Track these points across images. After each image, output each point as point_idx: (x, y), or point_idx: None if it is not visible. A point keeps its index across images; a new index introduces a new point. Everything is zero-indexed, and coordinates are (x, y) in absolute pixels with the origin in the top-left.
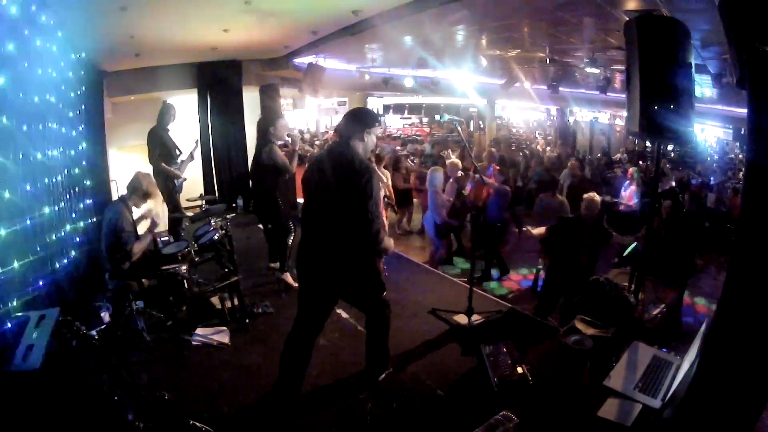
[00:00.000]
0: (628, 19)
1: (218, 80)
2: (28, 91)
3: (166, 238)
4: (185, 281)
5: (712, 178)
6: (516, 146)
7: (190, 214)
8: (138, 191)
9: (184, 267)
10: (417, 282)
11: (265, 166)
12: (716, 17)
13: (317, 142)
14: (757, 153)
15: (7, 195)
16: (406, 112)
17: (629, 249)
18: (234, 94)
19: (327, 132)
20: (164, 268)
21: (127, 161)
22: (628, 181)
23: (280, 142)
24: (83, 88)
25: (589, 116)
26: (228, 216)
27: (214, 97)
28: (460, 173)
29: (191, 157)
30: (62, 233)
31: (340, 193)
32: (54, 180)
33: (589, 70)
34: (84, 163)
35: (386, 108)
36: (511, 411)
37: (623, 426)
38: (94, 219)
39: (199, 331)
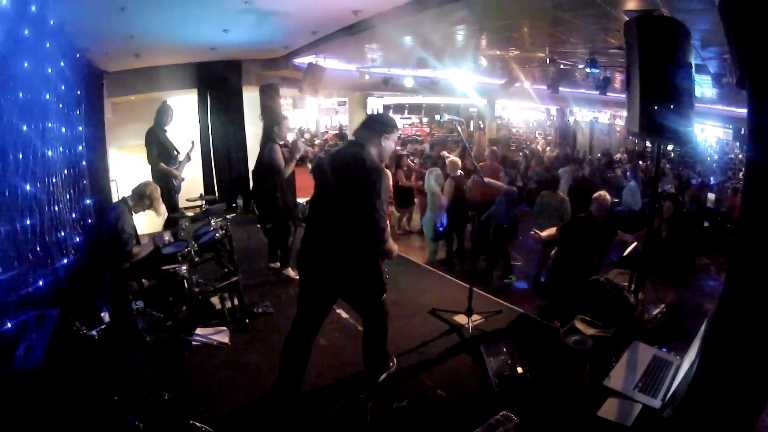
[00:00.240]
0: (628, 19)
1: (218, 80)
2: (28, 91)
3: (166, 238)
4: (185, 281)
5: (712, 178)
6: (516, 146)
7: (190, 214)
8: (143, 198)
9: (184, 267)
10: (417, 282)
11: (265, 165)
12: (716, 17)
13: (317, 142)
14: (757, 153)
15: (7, 194)
16: (406, 112)
17: (629, 249)
18: (234, 94)
19: (327, 132)
20: (164, 268)
21: (127, 161)
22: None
23: (281, 142)
24: (83, 88)
25: (589, 116)
26: (228, 216)
27: (214, 97)
28: (459, 172)
29: (188, 157)
30: (62, 233)
31: (349, 191)
32: (54, 180)
33: (589, 70)
34: (84, 163)
35: (386, 108)
36: (511, 411)
37: (623, 426)
38: (94, 219)
39: (199, 331)
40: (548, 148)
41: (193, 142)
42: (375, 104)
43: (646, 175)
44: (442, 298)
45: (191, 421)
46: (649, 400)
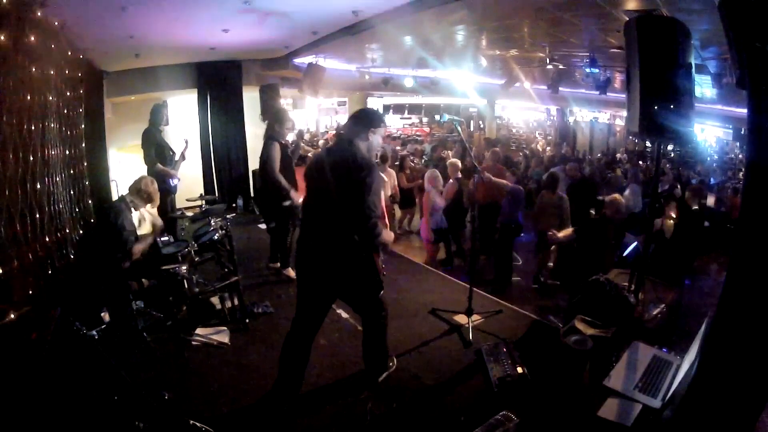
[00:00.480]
0: (628, 19)
1: (218, 80)
2: (28, 91)
3: (166, 238)
4: (185, 281)
5: (712, 178)
6: (516, 146)
7: (190, 214)
8: (141, 193)
9: (184, 267)
10: (417, 282)
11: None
12: (716, 17)
13: (320, 143)
14: (757, 153)
15: (7, 194)
16: (406, 112)
17: (629, 249)
18: (234, 94)
19: (327, 132)
20: (164, 268)
21: (127, 161)
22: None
23: (282, 141)
24: (83, 88)
25: (589, 116)
26: (228, 216)
27: (214, 97)
28: (459, 174)
29: (183, 157)
30: (62, 233)
31: (340, 188)
32: (54, 180)
33: (589, 70)
34: (84, 163)
35: (386, 108)
36: (511, 411)
37: (623, 426)
38: (94, 219)
39: (199, 331)
40: (548, 148)
41: (186, 141)
42: (375, 104)
43: (646, 175)
44: (442, 298)
45: (191, 421)
46: (649, 400)
